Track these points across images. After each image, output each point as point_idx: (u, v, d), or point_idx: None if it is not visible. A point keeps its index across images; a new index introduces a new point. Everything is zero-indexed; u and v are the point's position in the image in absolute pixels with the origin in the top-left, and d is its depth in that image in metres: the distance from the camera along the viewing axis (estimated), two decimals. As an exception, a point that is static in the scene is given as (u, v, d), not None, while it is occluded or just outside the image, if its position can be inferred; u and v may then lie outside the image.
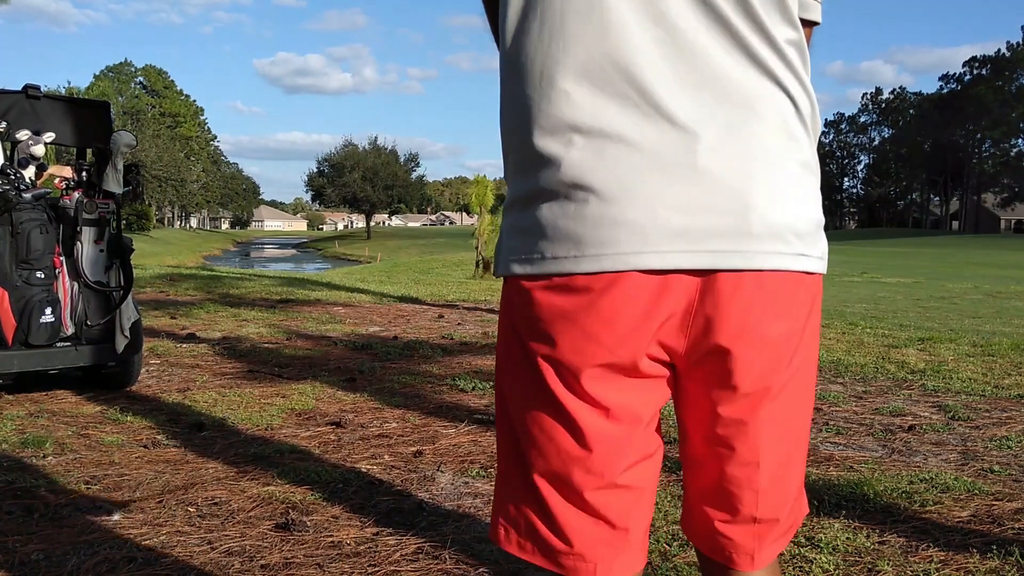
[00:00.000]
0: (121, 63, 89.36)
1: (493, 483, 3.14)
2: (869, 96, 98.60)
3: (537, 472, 1.07)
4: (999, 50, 79.27)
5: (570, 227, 0.97)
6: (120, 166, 4.53)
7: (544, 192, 0.99)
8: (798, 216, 1.01)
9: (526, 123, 1.00)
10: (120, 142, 4.48)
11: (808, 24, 1.10)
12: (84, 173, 4.60)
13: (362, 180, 70.57)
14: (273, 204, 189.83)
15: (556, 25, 0.97)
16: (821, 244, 1.05)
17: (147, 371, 5.26)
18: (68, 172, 4.75)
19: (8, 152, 4.53)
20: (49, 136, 4.60)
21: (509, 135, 1.05)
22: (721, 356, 1.01)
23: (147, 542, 2.57)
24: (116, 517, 2.77)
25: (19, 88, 4.60)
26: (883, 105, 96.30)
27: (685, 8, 0.96)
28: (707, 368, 1.03)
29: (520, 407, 1.07)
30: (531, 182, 1.01)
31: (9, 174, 4.34)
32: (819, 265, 1.04)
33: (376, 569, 2.40)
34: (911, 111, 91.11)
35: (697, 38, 0.96)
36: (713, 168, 0.95)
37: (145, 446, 3.64)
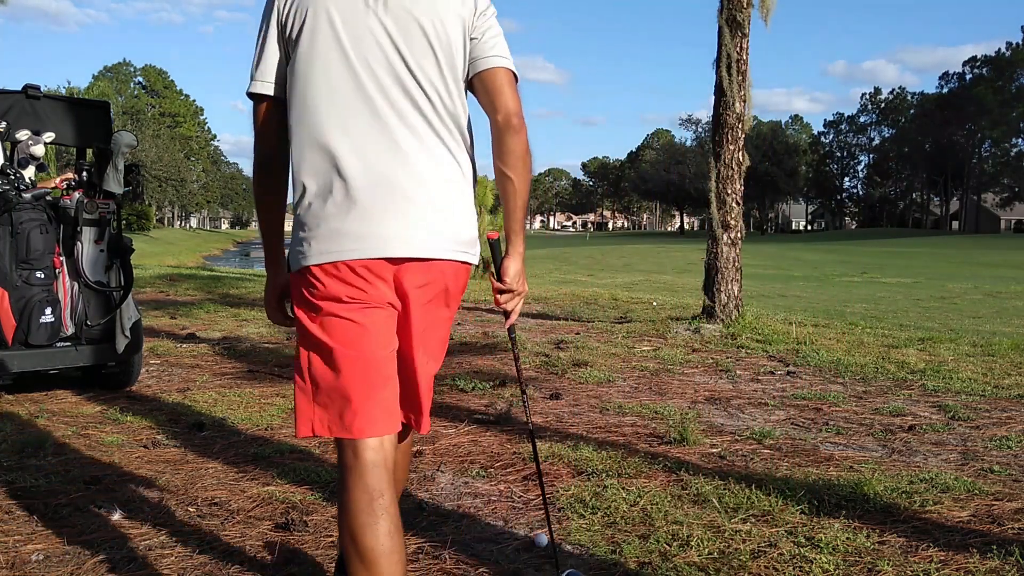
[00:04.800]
0: (119, 63, 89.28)
1: (493, 483, 3.15)
2: (868, 96, 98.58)
3: (328, 373, 1.71)
4: (999, 50, 79.21)
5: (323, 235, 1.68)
6: (121, 166, 4.53)
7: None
8: (447, 224, 1.73)
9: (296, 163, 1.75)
10: (121, 142, 4.48)
11: (495, 70, 1.74)
12: (84, 173, 4.60)
13: (362, 180, 70.39)
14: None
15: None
16: (469, 239, 1.78)
17: (147, 371, 5.26)
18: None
19: (8, 152, 4.52)
20: (49, 136, 4.60)
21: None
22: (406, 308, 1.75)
23: (147, 542, 2.58)
24: (116, 517, 2.77)
25: (19, 88, 4.60)
26: (882, 105, 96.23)
27: (381, 94, 1.69)
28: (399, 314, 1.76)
29: (316, 336, 1.71)
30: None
31: (9, 174, 4.34)
32: (469, 257, 1.78)
33: (376, 569, 2.40)
34: (911, 111, 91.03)
35: (390, 118, 1.70)
36: (366, 202, 1.67)
37: (145, 446, 3.64)
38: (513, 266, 1.88)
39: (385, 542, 1.62)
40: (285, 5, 1.71)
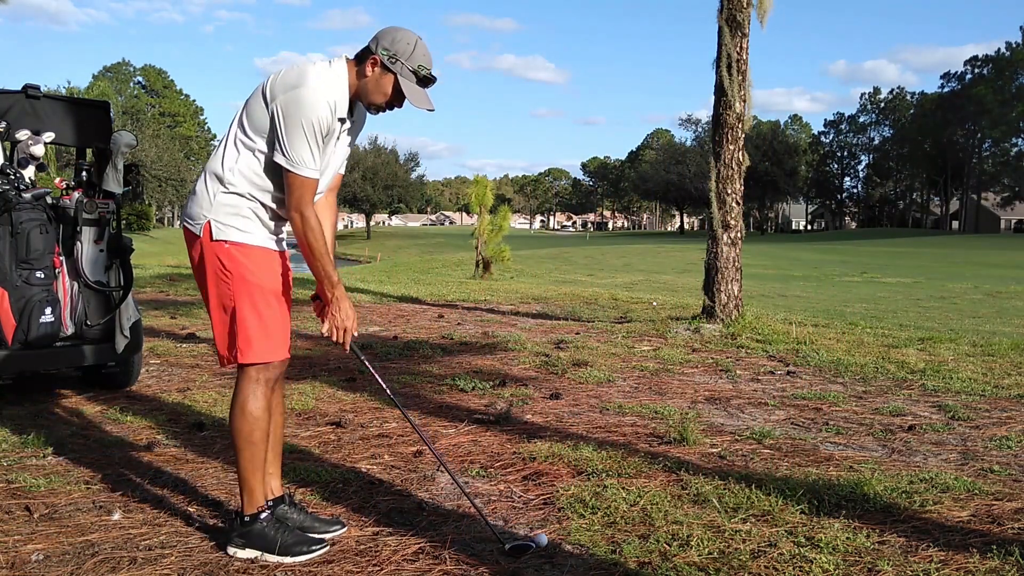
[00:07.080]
0: (119, 63, 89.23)
1: (493, 483, 3.14)
2: (868, 96, 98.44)
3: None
4: (999, 50, 79.14)
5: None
6: (120, 166, 4.52)
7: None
8: (191, 208, 2.52)
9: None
10: (121, 142, 4.47)
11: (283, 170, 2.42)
12: (84, 173, 4.59)
13: (362, 180, 70.53)
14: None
15: None
16: (200, 221, 2.48)
17: (147, 371, 5.26)
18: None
19: (8, 152, 4.52)
20: (49, 136, 4.59)
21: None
22: None
23: (147, 542, 2.58)
24: (116, 517, 2.77)
25: (19, 88, 4.59)
26: (882, 105, 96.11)
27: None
28: None
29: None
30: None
31: (9, 174, 4.33)
32: (197, 230, 2.49)
33: (377, 569, 2.40)
34: (911, 111, 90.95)
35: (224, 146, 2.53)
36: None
37: (145, 446, 3.64)
38: (322, 301, 2.71)
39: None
40: None
